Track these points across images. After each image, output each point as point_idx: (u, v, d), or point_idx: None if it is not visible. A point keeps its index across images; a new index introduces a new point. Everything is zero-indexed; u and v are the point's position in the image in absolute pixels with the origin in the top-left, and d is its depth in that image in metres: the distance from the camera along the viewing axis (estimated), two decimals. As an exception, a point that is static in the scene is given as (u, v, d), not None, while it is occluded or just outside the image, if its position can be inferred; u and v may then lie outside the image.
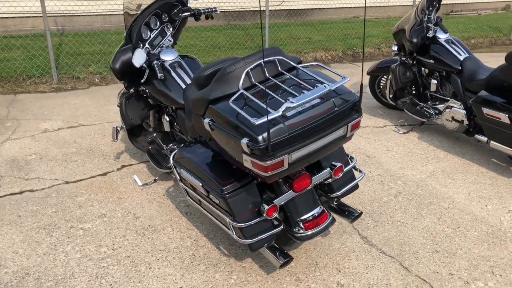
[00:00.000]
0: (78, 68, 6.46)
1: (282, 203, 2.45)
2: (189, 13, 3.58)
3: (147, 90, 3.39)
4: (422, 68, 4.91)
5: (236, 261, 2.78)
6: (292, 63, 2.42)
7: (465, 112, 4.26)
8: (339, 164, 2.58)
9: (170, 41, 3.56)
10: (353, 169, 2.77)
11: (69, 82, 6.19)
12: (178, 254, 2.85)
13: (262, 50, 2.40)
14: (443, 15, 12.51)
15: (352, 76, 7.03)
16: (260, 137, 2.03)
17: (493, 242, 3.03)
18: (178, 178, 2.86)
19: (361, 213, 2.75)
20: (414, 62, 4.88)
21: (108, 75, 6.48)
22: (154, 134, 3.69)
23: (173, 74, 3.26)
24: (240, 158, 2.19)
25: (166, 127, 3.47)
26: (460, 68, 4.39)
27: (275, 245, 2.51)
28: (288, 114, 2.11)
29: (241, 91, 2.20)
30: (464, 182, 3.83)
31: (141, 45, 3.31)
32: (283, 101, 2.12)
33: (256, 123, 2.00)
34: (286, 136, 2.09)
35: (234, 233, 2.43)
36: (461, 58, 4.43)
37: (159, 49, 3.43)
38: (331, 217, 2.57)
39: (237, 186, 2.40)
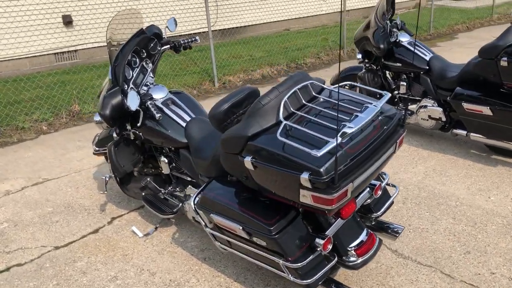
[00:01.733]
0: (20, 118, 5.91)
1: (333, 233, 2.31)
2: (168, 46, 3.36)
3: (140, 134, 3.11)
4: (387, 72, 5.00)
5: (282, 302, 2.59)
6: (322, 85, 2.31)
7: (441, 109, 4.37)
8: (378, 183, 2.49)
9: (153, 77, 3.32)
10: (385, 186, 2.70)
11: (14, 134, 5.65)
12: (216, 306, 2.61)
13: (290, 77, 2.27)
14: (363, 18, 13.06)
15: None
16: (322, 170, 1.88)
17: (514, 232, 3.09)
18: (203, 223, 2.63)
19: (404, 227, 2.68)
20: (379, 67, 4.97)
21: (56, 121, 6.00)
22: (148, 179, 3.41)
23: (168, 112, 3.02)
24: (294, 194, 2.02)
25: (165, 170, 3.20)
26: (427, 67, 4.51)
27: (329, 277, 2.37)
28: (343, 140, 1.99)
29: (285, 122, 2.05)
30: (458, 178, 3.91)
31: (126, 86, 3.04)
32: (334, 126, 1.99)
33: (319, 154, 1.85)
34: (347, 164, 1.96)
35: (290, 275, 2.25)
36: (427, 58, 4.56)
37: (144, 87, 3.18)
38: (378, 239, 2.47)
39: (284, 224, 2.23)
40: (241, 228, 2.31)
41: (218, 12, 10.13)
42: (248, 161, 2.10)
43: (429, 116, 4.51)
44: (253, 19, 10.78)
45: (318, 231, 2.32)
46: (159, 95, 3.06)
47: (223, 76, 7.69)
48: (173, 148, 3.13)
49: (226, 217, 2.39)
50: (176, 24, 3.39)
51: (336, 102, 2.20)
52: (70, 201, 3.91)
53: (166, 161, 3.15)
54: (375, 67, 4.96)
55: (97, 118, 3.27)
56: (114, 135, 3.32)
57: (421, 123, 4.62)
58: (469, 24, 11.64)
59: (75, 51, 8.37)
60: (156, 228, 3.39)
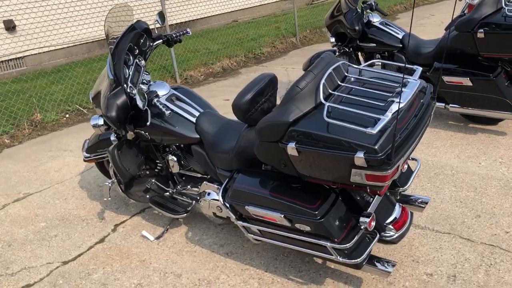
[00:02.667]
0: (-22, 133, 5.51)
1: (373, 210, 2.34)
2: (161, 40, 3.24)
3: (146, 134, 2.98)
4: (359, 54, 5.12)
5: (319, 286, 2.59)
6: (354, 66, 2.31)
7: (420, 84, 4.52)
8: None
9: (148, 74, 3.20)
10: None
11: (-27, 150, 5.26)
12: (257, 299, 2.57)
13: (321, 58, 2.26)
14: (306, 5, 13.26)
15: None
16: (377, 147, 1.89)
17: (513, 193, 3.27)
18: (234, 217, 2.58)
19: (430, 198, 2.75)
20: (351, 50, 5.06)
21: (18, 133, 5.65)
22: (152, 180, 3.28)
23: (175, 108, 2.92)
24: (344, 175, 2.03)
25: (175, 168, 3.10)
26: (401, 45, 4.65)
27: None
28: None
29: (327, 104, 2.03)
30: (446, 148, 4.07)
31: (125, 85, 2.91)
32: (380, 104, 2.01)
33: (374, 132, 1.86)
34: (398, 139, 1.98)
35: (338, 256, 2.25)
36: (400, 36, 4.71)
37: (142, 86, 3.05)
38: (410, 211, 2.53)
39: (327, 206, 2.23)
40: (282, 216, 2.29)
41: (168, 6, 9.90)
42: (292, 147, 2.07)
43: (408, 92, 4.64)
44: (202, 12, 10.64)
45: (356, 210, 2.34)
46: (162, 92, 2.95)
47: (184, 72, 7.55)
48: (182, 145, 3.03)
49: (264, 207, 2.35)
50: (164, 18, 3.28)
51: (370, 80, 2.21)
52: (62, 213, 3.70)
53: (175, 159, 3.05)
54: (347, 50, 5.04)
55: (95, 121, 3.10)
56: (112, 138, 3.16)
57: (399, 99, 4.76)
58: (406, 5, 12.10)
59: (22, 57, 7.89)
60: (167, 230, 3.29)
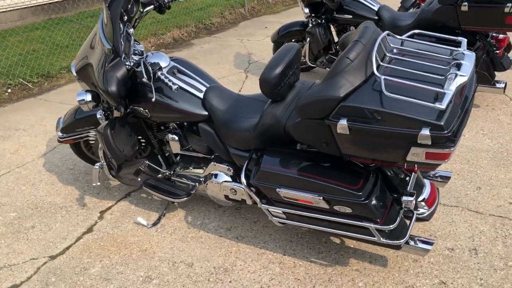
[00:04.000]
0: None
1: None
2: (152, 6, 2.91)
3: (145, 111, 2.68)
4: (331, 26, 5.02)
5: (344, 267, 2.50)
6: (396, 36, 2.18)
7: (397, 57, 4.51)
8: None
9: (139, 43, 2.87)
10: None
11: None
12: (281, 285, 2.42)
13: (365, 28, 2.10)
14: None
15: (226, 49, 6.83)
16: (444, 123, 1.79)
17: (503, 163, 3.36)
18: (259, 199, 2.40)
19: (451, 172, 2.73)
20: (323, 21, 4.94)
21: (-47, 110, 4.98)
22: (146, 162, 2.98)
23: (179, 83, 2.64)
24: (400, 154, 1.91)
25: (175, 148, 2.83)
26: (377, 18, 4.60)
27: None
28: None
29: (383, 76, 1.89)
30: None
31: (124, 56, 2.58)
32: (438, 77, 1.90)
33: (443, 106, 1.75)
34: (459, 114, 1.89)
35: (381, 237, 2.16)
36: (375, 8, 4.64)
37: (134, 57, 2.73)
38: (436, 187, 2.49)
39: (370, 186, 2.12)
40: (320, 198, 2.14)
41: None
42: (343, 124, 1.91)
43: (384, 65, 4.62)
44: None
45: (392, 189, 2.26)
46: (163, 64, 2.64)
47: (133, 42, 7.03)
48: (185, 124, 2.76)
49: (298, 189, 2.20)
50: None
51: (417, 51, 2.09)
52: (34, 201, 3.30)
53: (176, 138, 2.77)
54: (323, 21, 4.91)
55: (82, 97, 2.71)
56: (99, 115, 2.81)
57: (374, 72, 4.73)
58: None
59: None
60: (163, 215, 3.03)
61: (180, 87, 2.62)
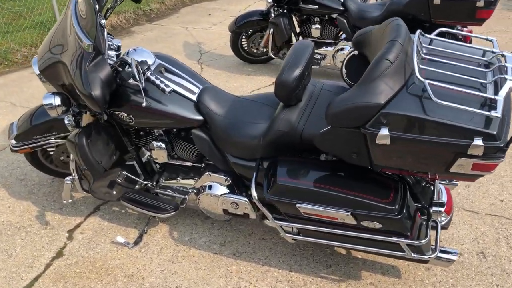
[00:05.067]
0: None
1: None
2: None
3: (130, 116, 2.31)
4: (293, 16, 4.83)
5: (358, 281, 2.34)
6: (429, 36, 2.00)
7: (364, 50, 4.42)
8: None
9: (113, 36, 2.49)
10: None
11: None
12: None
13: (397, 25, 1.91)
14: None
15: (172, 38, 6.42)
16: (497, 132, 1.65)
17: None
18: (271, 216, 2.16)
19: None
20: (285, 11, 4.73)
21: None
22: (124, 173, 2.61)
23: (170, 84, 2.30)
24: (444, 164, 1.75)
25: (162, 158, 2.49)
26: (343, 9, 4.47)
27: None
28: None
29: (427, 81, 1.71)
30: None
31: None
32: (483, 80, 1.75)
33: (499, 115, 1.61)
34: (507, 122, 1.76)
35: (412, 253, 2.01)
36: (341, -1, 4.51)
37: (110, 53, 2.36)
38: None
39: (400, 198, 1.95)
40: (349, 214, 1.94)
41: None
42: (384, 134, 1.71)
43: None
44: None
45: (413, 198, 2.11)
46: (149, 62, 2.29)
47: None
48: (174, 130, 2.43)
49: (323, 205, 1.98)
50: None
51: (451, 51, 1.93)
52: (-18, 221, 2.81)
53: (163, 146, 2.44)
54: (282, 11, 4.70)
55: (49, 100, 2.26)
56: (67, 121, 2.40)
57: (339, 65, 4.61)
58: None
59: None
60: (145, 231, 2.68)
61: (173, 90, 2.29)
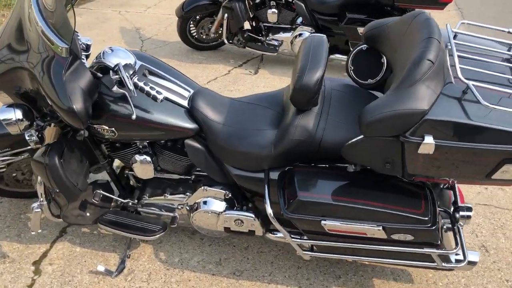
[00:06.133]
0: None
1: None
2: None
3: (112, 129, 1.96)
4: (246, 1, 4.55)
5: (384, 283, 2.21)
6: (451, 29, 1.84)
7: (326, 36, 4.25)
8: None
9: (78, 33, 2.11)
10: None
11: None
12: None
13: (427, 19, 1.73)
14: None
15: (105, 23, 5.88)
16: None
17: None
18: (289, 235, 1.95)
19: None
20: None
21: None
22: (99, 191, 2.25)
23: (158, 89, 1.97)
24: (485, 172, 1.64)
25: (146, 173, 2.16)
26: (301, -8, 4.28)
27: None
28: None
29: (471, 82, 1.55)
30: None
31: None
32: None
33: None
34: None
35: (442, 262, 1.90)
36: (299, -18, 4.30)
37: (84, 53, 1.99)
38: None
39: (431, 208, 1.82)
40: (380, 228, 1.78)
41: None
42: (429, 143, 1.55)
43: (310, 44, 4.34)
44: None
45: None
46: (130, 63, 1.94)
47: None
48: (162, 142, 2.11)
49: (352, 220, 1.79)
50: None
51: (477, 46, 1.78)
52: None
53: (149, 159, 2.11)
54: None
55: (7, 114, 1.83)
56: (32, 138, 1.98)
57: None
58: None
59: None
60: (128, 256, 2.35)
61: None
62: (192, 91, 2.10)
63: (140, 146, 2.12)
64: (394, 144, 1.62)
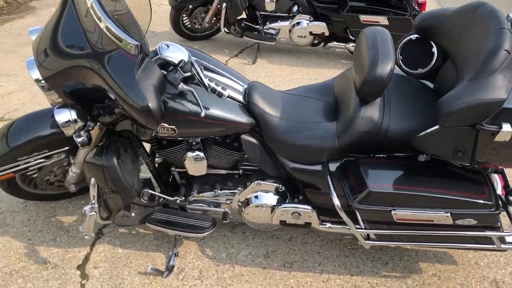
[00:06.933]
0: None
1: None
2: None
3: (172, 127, 1.90)
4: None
5: (420, 275, 2.27)
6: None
7: (325, 24, 4.30)
8: None
9: None
10: None
11: None
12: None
13: (484, 4, 1.78)
14: None
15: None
16: None
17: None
18: (353, 225, 1.97)
19: None
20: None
21: None
22: (147, 190, 2.20)
23: (209, 83, 1.93)
24: None
25: (199, 170, 2.12)
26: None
27: None
28: None
29: None
30: None
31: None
32: None
33: None
34: None
35: (501, 244, 1.99)
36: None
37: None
38: None
39: (493, 192, 1.89)
40: (448, 215, 1.84)
41: None
42: (507, 131, 1.61)
43: (310, 33, 4.37)
44: None
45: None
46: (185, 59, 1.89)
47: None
48: (218, 137, 2.08)
49: (421, 208, 1.84)
50: None
51: None
52: (-46, 271, 2.19)
53: (202, 156, 2.08)
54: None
55: (63, 115, 1.76)
56: (80, 139, 1.90)
57: (297, 40, 4.46)
58: None
59: None
60: (176, 254, 2.31)
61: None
62: (244, 85, 2.07)
63: (194, 143, 2.07)
64: (469, 132, 1.67)
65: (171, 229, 2.18)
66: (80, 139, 1.88)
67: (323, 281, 2.21)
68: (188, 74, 1.76)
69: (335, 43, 4.42)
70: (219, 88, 1.79)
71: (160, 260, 2.29)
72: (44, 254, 2.28)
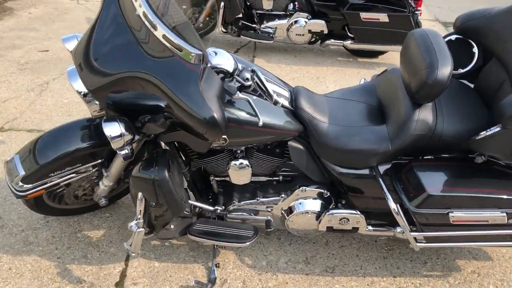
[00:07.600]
0: None
1: None
2: None
3: (223, 137, 1.84)
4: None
5: (460, 272, 2.30)
6: None
7: (324, 22, 4.29)
8: None
9: None
10: None
11: None
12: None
13: None
14: None
15: (67, 14, 5.46)
16: None
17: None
18: (408, 228, 1.97)
19: None
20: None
21: None
22: (189, 201, 2.13)
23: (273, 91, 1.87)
24: None
25: (243, 178, 2.06)
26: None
27: None
28: None
29: None
30: (348, 83, 4.12)
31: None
32: None
33: None
34: None
35: (546, 240, 2.03)
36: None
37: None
38: None
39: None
40: (504, 214, 1.86)
41: None
42: None
43: (309, 31, 4.35)
44: None
45: None
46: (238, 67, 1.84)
47: None
48: (266, 144, 2.03)
49: (477, 209, 1.86)
50: None
51: None
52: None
53: (246, 163, 2.02)
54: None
55: (113, 129, 1.67)
56: (124, 152, 1.81)
57: (295, 39, 4.43)
58: None
59: None
60: (217, 265, 2.25)
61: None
62: (289, 91, 2.03)
63: (238, 151, 2.01)
64: None
65: (215, 240, 2.11)
66: (123, 152, 1.78)
67: (367, 285, 2.20)
68: (250, 83, 1.70)
69: (332, 40, 4.41)
70: (275, 96, 1.74)
71: (200, 271, 2.22)
72: (77, 273, 2.17)
